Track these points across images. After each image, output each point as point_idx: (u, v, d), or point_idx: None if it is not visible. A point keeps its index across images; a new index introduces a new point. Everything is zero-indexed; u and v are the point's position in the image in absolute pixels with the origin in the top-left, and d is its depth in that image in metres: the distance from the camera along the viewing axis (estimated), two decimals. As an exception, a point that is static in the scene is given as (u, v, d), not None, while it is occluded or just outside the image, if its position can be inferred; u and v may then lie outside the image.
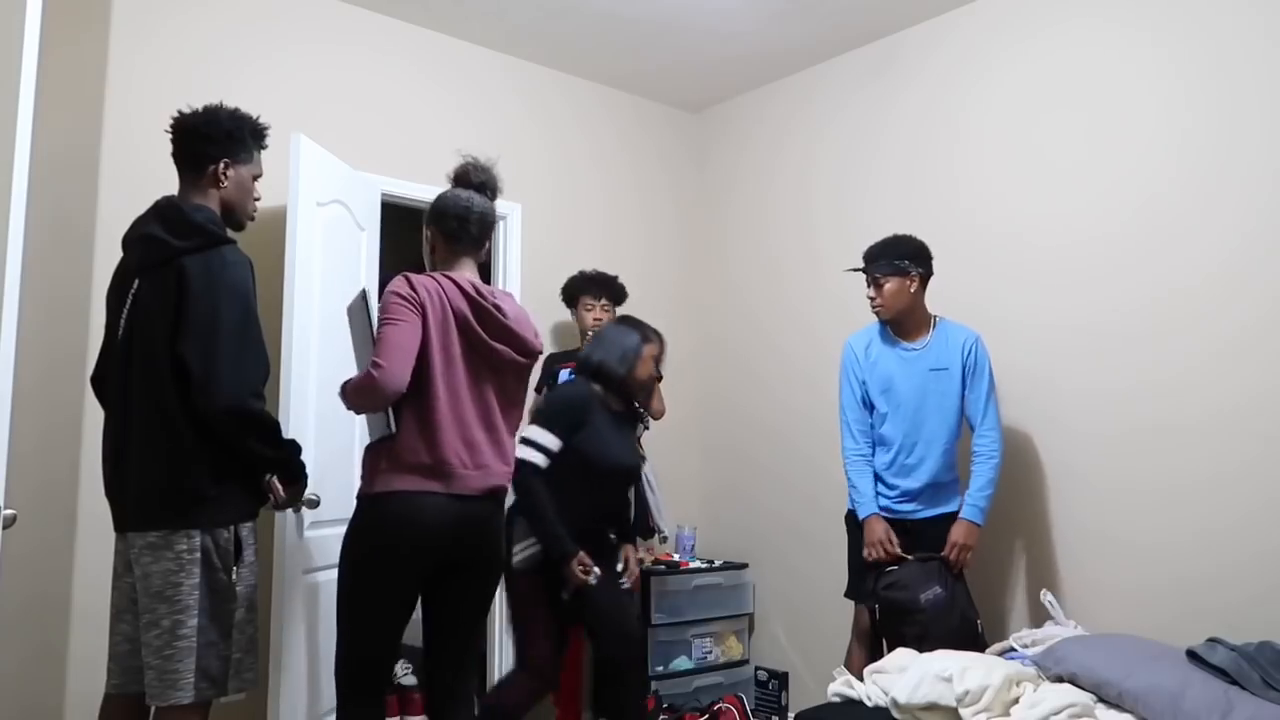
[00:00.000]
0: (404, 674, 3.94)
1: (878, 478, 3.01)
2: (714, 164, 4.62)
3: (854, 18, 3.70)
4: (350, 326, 2.48)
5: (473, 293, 2.37)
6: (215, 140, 2.26)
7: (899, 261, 2.96)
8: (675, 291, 4.50)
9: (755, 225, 4.37)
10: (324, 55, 3.50)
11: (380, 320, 2.27)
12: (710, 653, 3.91)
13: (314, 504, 2.73)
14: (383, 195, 3.58)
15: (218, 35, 3.25)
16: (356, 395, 2.26)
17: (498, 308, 2.40)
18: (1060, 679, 2.37)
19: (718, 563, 4.11)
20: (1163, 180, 2.96)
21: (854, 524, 3.04)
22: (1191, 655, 2.31)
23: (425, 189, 3.72)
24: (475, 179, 2.56)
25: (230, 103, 3.21)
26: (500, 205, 3.92)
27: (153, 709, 2.10)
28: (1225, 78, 2.84)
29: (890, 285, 2.96)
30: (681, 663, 3.81)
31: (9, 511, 1.86)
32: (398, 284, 2.31)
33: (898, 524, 2.95)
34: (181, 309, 2.06)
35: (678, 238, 4.59)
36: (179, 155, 2.28)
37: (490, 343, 2.37)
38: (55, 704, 2.78)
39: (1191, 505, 2.82)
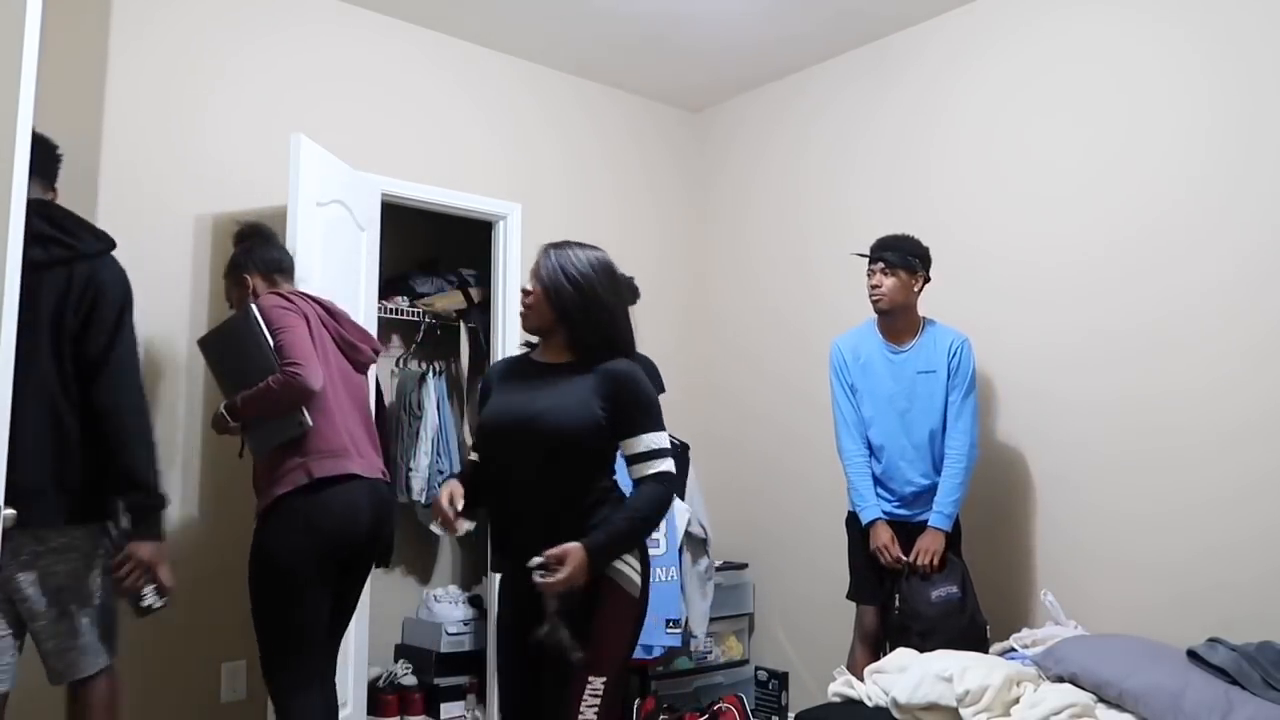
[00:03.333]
0: (404, 674, 3.94)
1: (876, 482, 3.01)
2: (714, 163, 4.61)
3: (856, 17, 3.69)
4: (220, 350, 2.56)
5: (319, 299, 2.64)
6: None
7: (911, 258, 2.97)
8: (675, 291, 4.50)
9: (755, 224, 4.37)
10: (324, 55, 3.50)
11: (274, 330, 2.42)
12: (710, 653, 3.91)
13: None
14: (383, 195, 3.58)
15: (218, 35, 3.25)
16: (283, 395, 2.36)
17: (343, 314, 2.68)
18: (1060, 679, 2.37)
19: (718, 563, 4.09)
20: (1169, 193, 2.91)
21: (855, 526, 3.04)
22: (1192, 655, 2.32)
23: (425, 189, 3.73)
24: (266, 230, 2.76)
25: (231, 103, 3.25)
26: (499, 205, 3.97)
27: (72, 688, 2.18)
28: (1238, 84, 2.80)
29: (897, 279, 2.95)
30: (681, 663, 3.81)
31: (9, 511, 1.86)
32: (272, 300, 2.50)
33: (899, 526, 2.94)
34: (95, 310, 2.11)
35: (678, 237, 4.59)
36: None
37: (355, 342, 2.66)
38: (55, 701, 2.78)
39: (1194, 517, 2.80)
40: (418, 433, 4.18)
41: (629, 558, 2.07)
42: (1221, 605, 2.67)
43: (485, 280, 4.19)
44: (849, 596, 3.09)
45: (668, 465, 2.09)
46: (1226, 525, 2.72)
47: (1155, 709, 2.14)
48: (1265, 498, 2.65)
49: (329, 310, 2.63)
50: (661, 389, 3.77)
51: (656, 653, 3.33)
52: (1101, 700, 2.27)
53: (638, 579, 2.07)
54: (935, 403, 2.95)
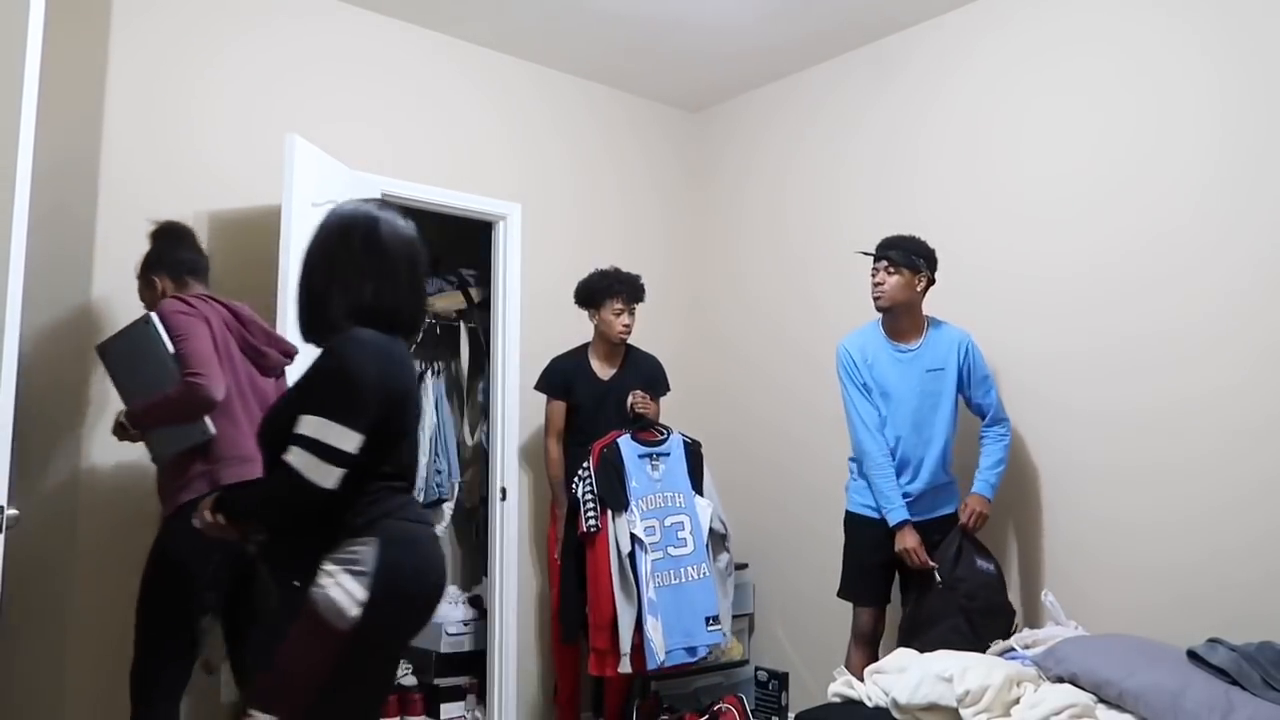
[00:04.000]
0: (404, 674, 3.94)
1: None
2: (714, 163, 4.60)
3: (862, 15, 3.67)
4: (119, 358, 2.51)
5: (226, 303, 2.57)
6: None
7: (915, 258, 2.96)
8: (675, 290, 4.49)
9: (756, 223, 4.36)
10: (325, 56, 3.50)
11: (176, 338, 2.38)
12: (710, 653, 3.91)
13: None
14: (381, 195, 3.57)
15: (217, 35, 3.24)
16: (182, 405, 2.34)
17: (251, 318, 2.61)
18: (1061, 679, 2.37)
19: (718, 563, 4.10)
20: (1179, 202, 2.88)
21: (853, 526, 3.04)
22: (1192, 655, 2.31)
23: (424, 189, 3.73)
24: (180, 229, 2.72)
25: (229, 102, 3.25)
26: (499, 205, 3.97)
27: None
28: (1249, 86, 2.77)
29: (900, 277, 2.94)
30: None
31: (11, 511, 1.86)
32: (174, 305, 2.45)
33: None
34: None
35: (679, 236, 4.58)
36: None
37: (261, 347, 2.60)
38: (55, 702, 2.78)
39: (1197, 522, 2.80)
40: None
41: (344, 579, 1.65)
42: (1222, 608, 2.67)
43: (485, 280, 4.18)
44: (843, 596, 3.08)
45: (297, 457, 1.65)
46: (1229, 530, 2.71)
47: (1155, 709, 2.13)
48: (1268, 503, 2.65)
49: (236, 314, 2.56)
50: (667, 388, 3.79)
51: (701, 653, 3.33)
52: (1101, 700, 2.27)
53: (350, 608, 1.63)
54: (946, 401, 2.96)
